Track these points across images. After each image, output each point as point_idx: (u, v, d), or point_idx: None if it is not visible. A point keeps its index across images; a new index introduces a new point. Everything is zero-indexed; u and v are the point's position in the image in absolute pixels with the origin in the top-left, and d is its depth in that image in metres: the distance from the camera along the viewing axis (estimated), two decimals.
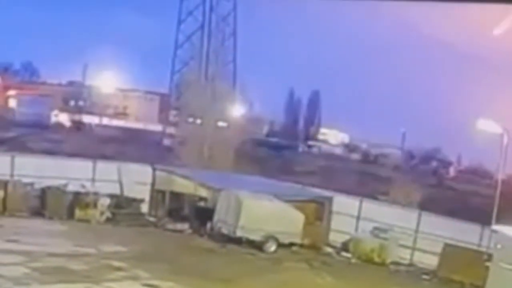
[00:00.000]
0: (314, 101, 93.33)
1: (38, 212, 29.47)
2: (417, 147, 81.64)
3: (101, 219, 30.19)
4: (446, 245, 28.59)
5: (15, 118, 67.23)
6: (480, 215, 29.36)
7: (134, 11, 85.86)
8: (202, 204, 31.25)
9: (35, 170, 29.75)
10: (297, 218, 29.92)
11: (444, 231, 29.35)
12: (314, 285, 24.90)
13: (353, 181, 49.30)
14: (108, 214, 30.52)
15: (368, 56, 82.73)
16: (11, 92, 76.54)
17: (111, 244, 25.78)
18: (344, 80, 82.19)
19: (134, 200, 31.81)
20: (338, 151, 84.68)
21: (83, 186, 30.34)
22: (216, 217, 29.71)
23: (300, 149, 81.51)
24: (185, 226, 30.94)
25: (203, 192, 31.46)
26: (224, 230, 29.18)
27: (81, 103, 78.78)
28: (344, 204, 32.17)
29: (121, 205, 31.19)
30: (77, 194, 29.94)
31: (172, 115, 70.61)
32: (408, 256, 30.63)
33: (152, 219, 31.90)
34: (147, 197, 32.52)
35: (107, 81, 63.14)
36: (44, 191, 29.70)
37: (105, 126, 70.36)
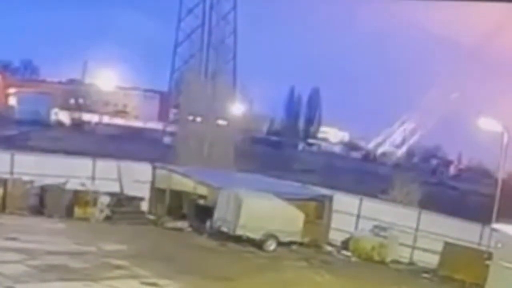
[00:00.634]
0: (314, 99, 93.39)
1: (38, 210, 29.41)
2: (417, 146, 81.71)
3: (100, 218, 30.14)
4: (447, 244, 28.54)
5: (15, 116, 67.27)
6: (480, 214, 29.31)
7: (134, 9, 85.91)
8: (202, 202, 31.19)
9: (35, 168, 29.67)
10: (297, 217, 29.89)
11: (444, 229, 29.31)
12: (313, 284, 24.86)
13: (353, 179, 49.27)
14: (107, 212, 30.46)
15: (368, 54, 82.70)
16: (11, 90, 76.61)
17: (110, 242, 25.73)
18: (345, 78, 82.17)
19: (133, 198, 31.75)
20: (338, 149, 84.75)
21: (82, 184, 30.26)
22: (216, 216, 29.67)
23: (300, 147, 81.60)
24: (185, 224, 30.91)
25: (203, 190, 31.41)
26: (224, 229, 29.15)
27: (81, 101, 78.78)
28: (344, 203, 32.12)
29: (121, 204, 31.13)
30: (76, 192, 29.86)
31: (172, 113, 70.63)
32: (408, 255, 30.60)
33: (151, 217, 31.85)
34: (146, 196, 32.46)
35: (107, 79, 63.25)
36: (43, 189, 29.64)
37: (105, 124, 70.36)
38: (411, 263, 30.39)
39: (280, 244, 29.24)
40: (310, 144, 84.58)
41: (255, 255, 27.95)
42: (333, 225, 32.11)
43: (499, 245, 24.85)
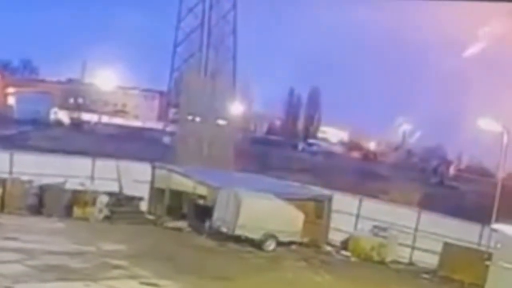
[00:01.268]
0: (314, 99, 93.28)
1: (37, 210, 29.37)
2: (417, 146, 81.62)
3: (99, 217, 30.10)
4: (446, 244, 28.51)
5: (14, 115, 67.21)
6: (480, 214, 29.26)
7: (134, 8, 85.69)
8: (201, 202, 31.16)
9: (34, 167, 29.62)
10: (297, 217, 29.85)
11: (444, 229, 29.27)
12: (313, 284, 24.82)
13: (352, 179, 49.20)
14: (106, 212, 30.41)
15: (368, 53, 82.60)
16: (10, 90, 76.53)
17: (109, 242, 25.69)
18: (344, 78, 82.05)
19: (133, 198, 31.71)
20: (338, 149, 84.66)
21: (82, 184, 30.23)
22: (215, 215, 29.64)
23: (300, 147, 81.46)
24: (184, 224, 30.88)
25: (202, 190, 31.37)
26: (223, 229, 29.10)
27: (80, 100, 78.73)
28: (343, 203, 32.09)
29: (120, 203, 31.08)
30: (75, 192, 29.84)
31: (172, 113, 70.61)
32: (407, 255, 30.57)
33: (151, 217, 31.83)
34: (146, 195, 32.43)
35: (107, 78, 63.19)
36: (42, 189, 29.61)
37: (104, 124, 70.28)
38: (411, 263, 30.37)
39: (279, 244, 29.21)
40: (310, 144, 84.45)
41: (255, 255, 27.92)
42: (332, 225, 32.09)
43: (499, 245, 24.84)
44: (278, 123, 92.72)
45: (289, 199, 30.41)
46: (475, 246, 28.17)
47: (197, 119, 43.14)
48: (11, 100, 75.19)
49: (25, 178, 29.37)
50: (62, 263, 21.86)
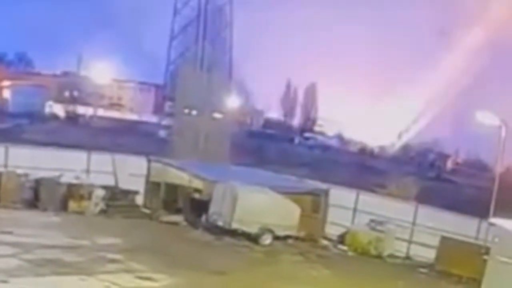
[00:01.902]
0: (311, 93, 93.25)
1: (32, 203, 29.21)
2: (414, 140, 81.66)
3: (95, 211, 29.97)
4: (444, 238, 28.43)
5: (9, 108, 67.03)
6: (477, 208, 29.15)
7: (130, 2, 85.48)
8: (197, 196, 31.04)
9: (29, 161, 29.45)
10: (293, 211, 29.74)
11: (441, 224, 29.18)
12: (309, 278, 24.70)
13: (349, 173, 49.17)
14: (102, 206, 30.28)
15: (366, 47, 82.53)
16: (5, 83, 76.24)
17: (105, 236, 25.57)
18: (341, 72, 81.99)
19: (128, 192, 31.59)
20: (335, 143, 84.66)
21: (77, 178, 30.08)
22: (211, 209, 29.51)
23: (297, 141, 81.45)
24: (180, 218, 30.74)
25: (198, 184, 31.25)
26: (219, 222, 28.98)
27: (75, 94, 78.55)
28: (340, 197, 31.97)
29: (116, 197, 30.96)
30: (71, 185, 29.69)
31: (167, 106, 70.45)
32: (405, 249, 30.48)
33: (146, 211, 31.70)
34: (141, 189, 32.31)
35: (102, 72, 62.89)
36: (38, 183, 29.44)
37: (100, 117, 70.07)
38: (408, 257, 30.28)
39: (276, 238, 29.09)
40: (307, 138, 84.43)
41: (251, 249, 27.80)
42: (329, 219, 31.98)
43: (496, 239, 24.73)
44: (274, 116, 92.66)
45: (286, 193, 30.28)
46: (472, 240, 28.07)
47: (193, 112, 42.97)
48: (6, 93, 74.96)
49: (20, 171, 29.20)
50: (57, 257, 21.72)
